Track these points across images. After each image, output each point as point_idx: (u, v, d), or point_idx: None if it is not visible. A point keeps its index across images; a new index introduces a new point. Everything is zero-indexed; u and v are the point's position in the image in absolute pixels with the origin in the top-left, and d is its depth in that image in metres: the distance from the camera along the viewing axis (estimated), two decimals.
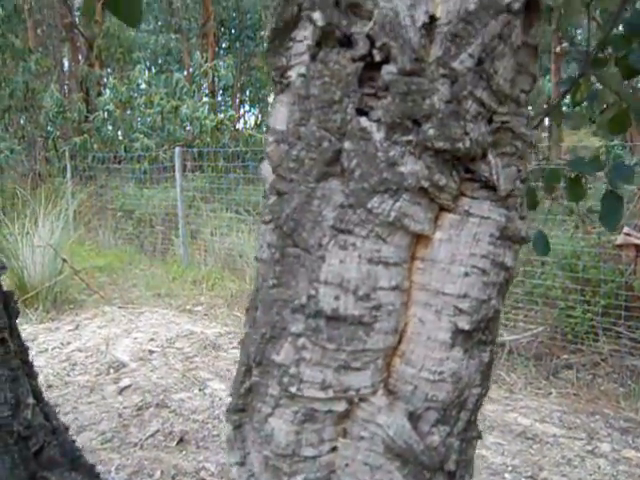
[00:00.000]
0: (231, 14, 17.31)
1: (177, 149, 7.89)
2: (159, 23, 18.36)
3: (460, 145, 0.49)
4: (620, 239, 4.99)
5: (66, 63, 15.60)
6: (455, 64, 0.51)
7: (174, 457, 3.56)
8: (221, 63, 11.99)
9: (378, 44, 0.51)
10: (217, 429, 3.62)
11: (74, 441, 1.22)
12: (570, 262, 5.04)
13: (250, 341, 0.58)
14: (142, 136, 10.22)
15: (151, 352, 5.20)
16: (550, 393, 4.55)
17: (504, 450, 3.71)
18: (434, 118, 0.49)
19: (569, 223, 5.95)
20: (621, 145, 6.42)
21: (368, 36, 0.51)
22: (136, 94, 11.24)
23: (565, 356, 4.93)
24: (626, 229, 5.01)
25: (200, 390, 4.42)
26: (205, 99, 12.23)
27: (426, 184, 0.50)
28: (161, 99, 10.43)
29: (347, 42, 0.53)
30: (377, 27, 0.50)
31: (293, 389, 0.53)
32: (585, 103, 1.25)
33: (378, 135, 0.51)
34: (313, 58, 0.55)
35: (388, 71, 0.51)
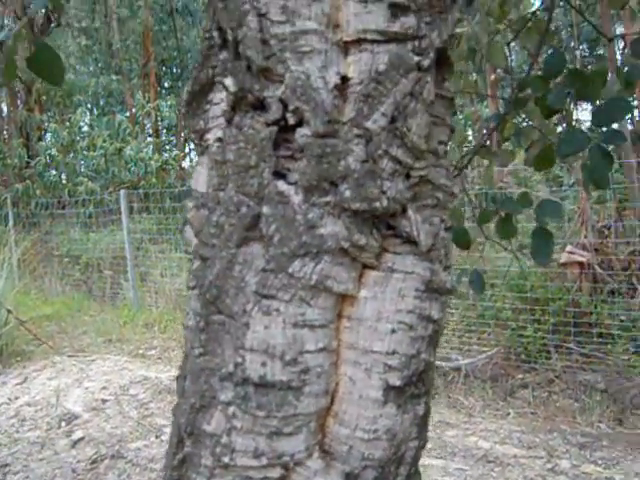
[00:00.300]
0: (172, 54, 17.36)
1: (122, 191, 7.79)
2: (99, 65, 18.26)
3: (377, 205, 0.50)
4: (564, 257, 5.13)
5: (4, 108, 15.31)
6: (369, 124, 0.51)
7: None
8: (164, 103, 11.96)
9: (291, 107, 0.51)
10: None
11: None
12: (518, 283, 5.14)
13: (180, 411, 0.57)
14: (86, 179, 10.06)
15: (104, 401, 5.05)
16: (508, 414, 4.59)
17: (466, 476, 3.71)
18: (350, 179, 0.50)
19: (514, 245, 6.08)
20: (559, 166, 6.63)
21: (281, 100, 0.52)
22: (78, 137, 11.09)
23: (520, 376, 5.00)
24: (569, 247, 5.15)
25: (157, 437, 4.30)
26: (149, 139, 12.16)
27: (346, 245, 0.50)
28: (104, 141, 10.32)
29: (261, 106, 0.53)
30: (289, 91, 0.51)
31: (226, 459, 0.52)
32: (510, 141, 1.29)
33: (296, 198, 0.51)
34: (229, 122, 0.55)
35: (302, 134, 0.51)
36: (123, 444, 4.24)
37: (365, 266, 0.54)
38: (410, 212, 0.53)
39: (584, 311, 5.00)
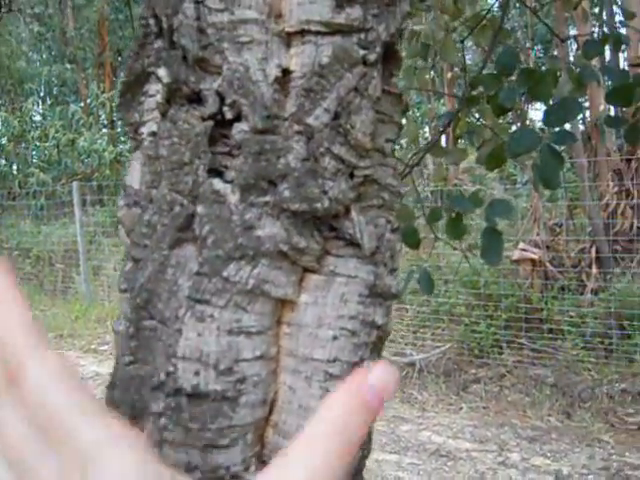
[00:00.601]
0: (128, 43, 17.01)
1: (75, 183, 7.61)
2: (52, 53, 17.75)
3: (318, 205, 0.47)
4: (516, 254, 5.21)
5: None
6: (310, 120, 0.49)
7: None
8: (118, 93, 11.73)
9: (228, 101, 0.48)
10: None
11: None
12: (472, 279, 5.20)
13: None
14: (38, 171, 9.80)
15: None
16: (461, 408, 4.65)
17: (419, 470, 3.74)
18: (290, 178, 0.47)
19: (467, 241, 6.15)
20: (513, 164, 6.73)
21: (218, 93, 0.49)
22: (30, 127, 10.79)
23: (473, 370, 5.07)
24: (522, 245, 5.24)
25: None
26: (103, 130, 11.90)
27: (285, 248, 0.47)
28: (57, 132, 10.06)
29: (197, 99, 0.50)
30: (226, 83, 0.48)
31: None
32: (463, 139, 1.29)
33: (233, 197, 0.48)
34: (163, 116, 0.52)
35: (239, 129, 0.48)
36: None
37: (306, 269, 0.51)
38: (353, 213, 0.50)
39: (535, 307, 5.10)
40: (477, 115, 1.28)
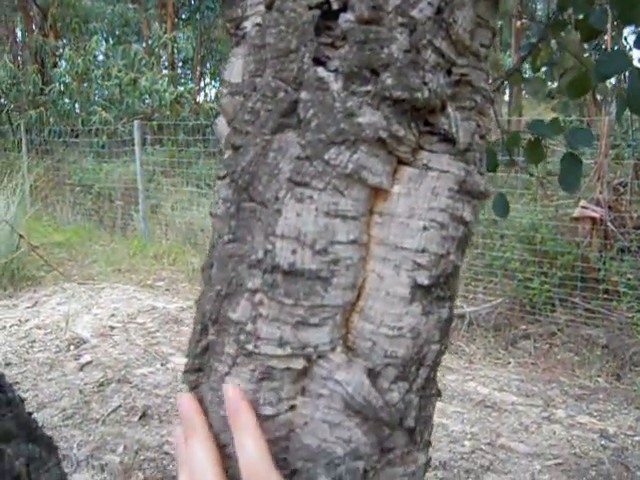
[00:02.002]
0: None
1: (136, 122, 7.74)
2: None
3: (418, 95, 0.48)
4: (577, 212, 5.10)
5: (19, 33, 15.07)
6: (414, 12, 0.50)
7: (137, 432, 3.55)
8: (180, 35, 11.75)
9: None
10: None
11: (30, 413, 1.20)
12: (528, 235, 5.13)
13: (206, 299, 0.57)
14: (100, 109, 9.98)
15: (112, 328, 5.14)
16: (509, 363, 4.65)
17: (464, 418, 3.78)
18: (392, 67, 0.48)
19: (527, 196, 6.04)
20: (579, 120, 6.52)
21: None
22: (93, 66, 10.94)
23: (523, 326, 5.04)
24: (583, 202, 5.12)
25: (162, 365, 4.39)
26: (164, 71, 11.98)
27: (384, 135, 0.49)
28: (119, 71, 10.18)
29: None
30: None
31: (250, 346, 0.52)
32: (544, 71, 1.26)
33: (336, 85, 0.49)
34: (269, 7, 0.53)
35: (346, 19, 0.50)
36: (129, 369, 4.34)
37: (400, 162, 0.53)
38: (449, 109, 0.51)
39: (592, 267, 5.01)
40: (555, 47, 1.25)
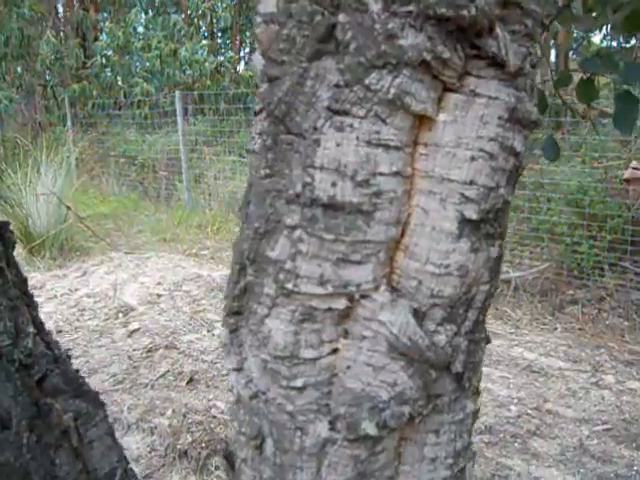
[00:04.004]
0: None
1: (177, 93, 7.76)
2: None
3: (465, 12, 0.45)
4: (627, 173, 4.93)
5: (60, 8, 15.21)
6: None
7: (184, 396, 3.62)
8: (219, 3, 11.69)
9: None
10: (226, 368, 3.68)
11: (77, 370, 1.22)
12: (576, 198, 4.99)
13: (243, 238, 0.55)
14: (141, 81, 10.05)
15: (159, 296, 5.23)
16: (555, 328, 4.57)
17: (510, 383, 3.74)
18: None
19: (576, 159, 5.87)
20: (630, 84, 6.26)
21: None
22: (133, 38, 10.99)
23: (570, 292, 4.94)
24: (634, 163, 4.94)
25: (208, 331, 4.46)
26: (204, 41, 11.95)
27: (428, 57, 0.45)
28: (159, 42, 10.21)
29: None
30: None
31: (290, 285, 0.50)
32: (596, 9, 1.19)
33: (375, 6, 0.46)
34: None
35: None
36: (176, 336, 4.42)
37: (446, 88, 0.49)
38: (498, 30, 0.48)
39: None
40: None
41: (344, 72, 0.46)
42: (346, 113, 0.47)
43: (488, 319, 4.71)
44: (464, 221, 0.49)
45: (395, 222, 0.49)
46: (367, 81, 0.46)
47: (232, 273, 0.57)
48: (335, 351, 0.53)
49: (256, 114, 0.54)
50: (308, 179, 0.48)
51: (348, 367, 0.53)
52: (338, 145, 0.47)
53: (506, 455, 3.01)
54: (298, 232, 0.49)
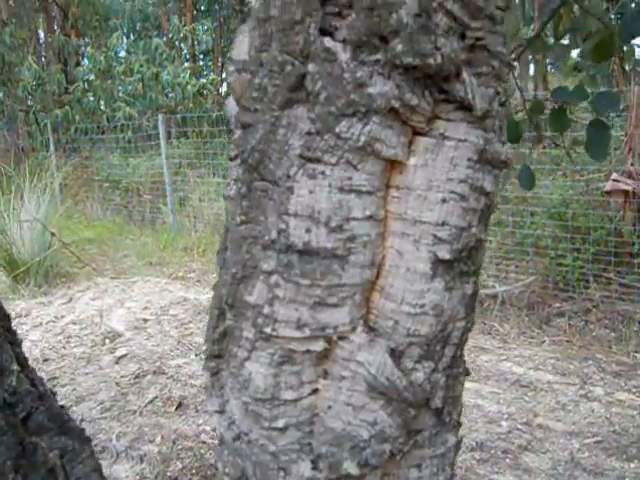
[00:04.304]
0: None
1: (160, 116, 7.77)
2: None
3: (431, 60, 0.46)
4: (609, 185, 4.99)
5: (42, 34, 15.23)
6: None
7: (174, 422, 3.59)
8: (200, 26, 11.76)
9: None
10: (209, 411, 3.65)
11: (62, 406, 1.21)
12: (559, 211, 5.03)
13: (222, 283, 0.55)
14: (124, 105, 10.05)
15: (145, 320, 5.20)
16: (543, 341, 4.59)
17: (499, 398, 3.75)
18: (402, 33, 0.46)
19: (557, 172, 5.93)
20: (620, 91, 6.36)
21: None
22: (115, 62, 11.02)
23: (557, 304, 4.97)
24: (614, 175, 5.00)
25: (196, 355, 4.43)
26: (186, 64, 12.01)
27: (397, 104, 0.46)
28: (141, 66, 10.24)
29: None
30: None
31: (268, 330, 0.51)
32: (568, 37, 1.21)
33: (344, 55, 0.47)
34: None
35: None
36: (164, 361, 4.39)
37: (415, 132, 0.50)
38: (465, 75, 0.49)
39: (626, 241, 4.90)
40: (578, 11, 1.19)
41: (315, 121, 0.47)
42: (318, 160, 0.48)
43: (476, 334, 4.72)
44: (437, 261, 0.50)
45: (370, 265, 0.49)
46: (338, 129, 0.47)
47: (211, 318, 0.57)
48: (315, 391, 0.54)
49: (231, 160, 0.55)
50: (283, 226, 0.49)
51: (329, 407, 0.54)
52: (311, 192, 0.48)
53: (498, 471, 3.01)
54: (275, 277, 0.50)
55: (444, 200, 0.49)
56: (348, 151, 0.47)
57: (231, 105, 0.57)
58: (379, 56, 0.46)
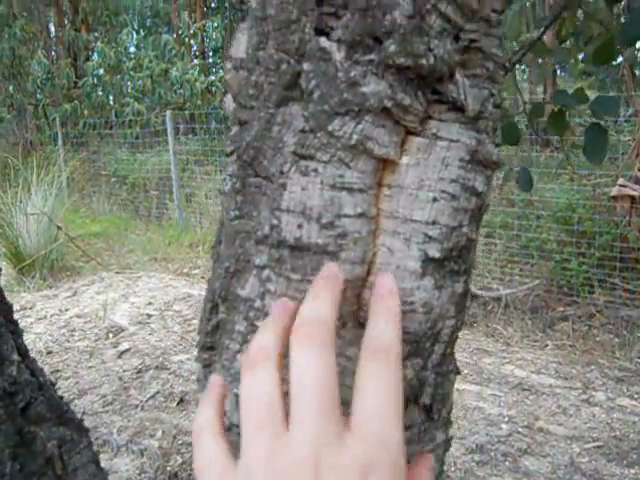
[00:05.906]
0: None
1: (168, 112, 7.80)
2: None
3: (424, 61, 0.47)
4: (615, 190, 4.98)
5: (52, 28, 15.29)
6: None
7: (175, 417, 3.60)
8: (210, 24, 11.78)
9: None
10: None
11: (61, 397, 1.23)
12: (565, 215, 5.03)
13: (215, 276, 0.56)
14: (133, 100, 10.09)
15: (149, 316, 5.22)
16: (546, 345, 4.59)
17: (501, 401, 3.75)
18: (396, 34, 0.47)
19: (564, 177, 5.92)
20: (617, 96, 6.35)
21: None
22: (125, 58, 11.05)
23: (561, 308, 4.96)
24: (621, 180, 5.00)
25: None
26: (195, 61, 12.03)
27: (389, 104, 0.47)
28: (150, 62, 10.26)
29: None
30: None
31: (259, 323, 0.52)
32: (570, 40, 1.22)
33: (338, 55, 0.48)
34: None
35: None
36: (167, 356, 4.41)
37: (408, 132, 0.51)
38: (458, 76, 0.50)
39: (632, 246, 4.90)
40: (581, 16, 1.20)
41: (309, 119, 0.48)
42: (311, 158, 0.49)
43: (479, 337, 4.72)
44: (428, 260, 0.51)
45: (360, 261, 0.50)
46: (330, 127, 0.48)
47: (204, 310, 0.58)
48: None
49: (227, 155, 0.56)
50: (275, 221, 0.50)
51: None
52: (303, 189, 0.49)
53: (497, 474, 3.01)
54: (266, 272, 0.51)
55: (435, 199, 0.50)
56: (340, 149, 0.48)
57: (228, 102, 0.58)
58: (373, 56, 0.47)
